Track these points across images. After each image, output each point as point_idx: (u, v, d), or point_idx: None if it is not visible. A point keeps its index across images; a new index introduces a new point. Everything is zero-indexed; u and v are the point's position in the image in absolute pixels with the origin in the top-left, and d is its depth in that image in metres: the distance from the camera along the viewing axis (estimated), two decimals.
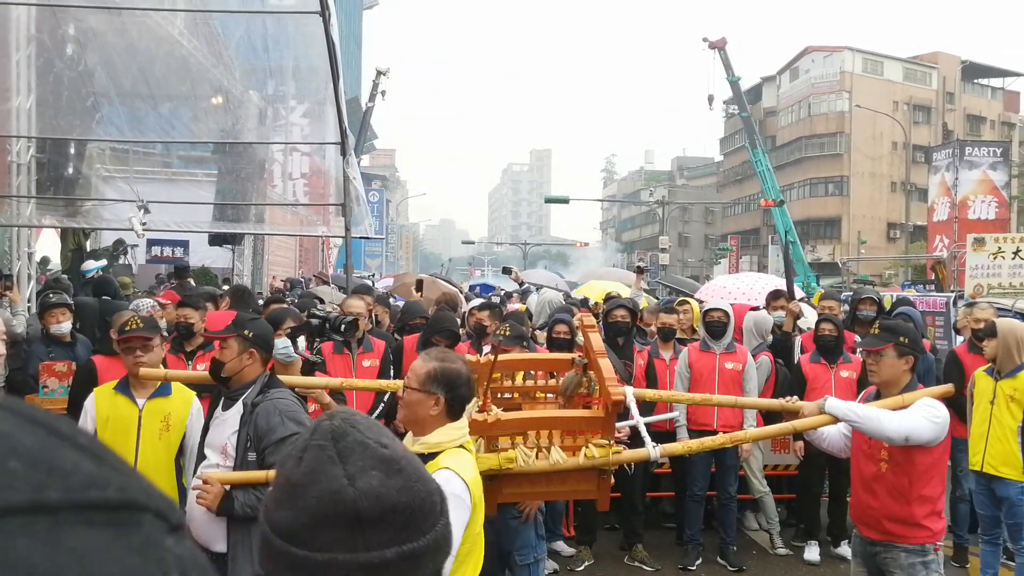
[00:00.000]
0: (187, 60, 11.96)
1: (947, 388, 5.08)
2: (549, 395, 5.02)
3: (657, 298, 14.62)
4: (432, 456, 3.53)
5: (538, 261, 77.69)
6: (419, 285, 12.48)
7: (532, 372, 5.19)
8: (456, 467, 3.49)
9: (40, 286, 12.33)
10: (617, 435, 4.68)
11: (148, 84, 11.41)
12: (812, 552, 8.64)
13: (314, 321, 6.41)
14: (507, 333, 6.63)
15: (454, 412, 3.65)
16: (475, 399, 4.68)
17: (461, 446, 3.65)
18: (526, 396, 5.06)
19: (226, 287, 13.47)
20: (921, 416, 4.63)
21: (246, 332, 4.62)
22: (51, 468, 0.48)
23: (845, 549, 8.12)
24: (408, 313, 9.49)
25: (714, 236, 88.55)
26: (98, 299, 10.01)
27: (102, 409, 5.30)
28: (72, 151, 12.42)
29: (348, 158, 10.90)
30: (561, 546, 8.53)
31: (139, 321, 5.50)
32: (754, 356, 8.79)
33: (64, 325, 7.67)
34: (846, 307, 10.58)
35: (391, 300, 12.16)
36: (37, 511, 0.46)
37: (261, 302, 9.70)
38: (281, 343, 5.69)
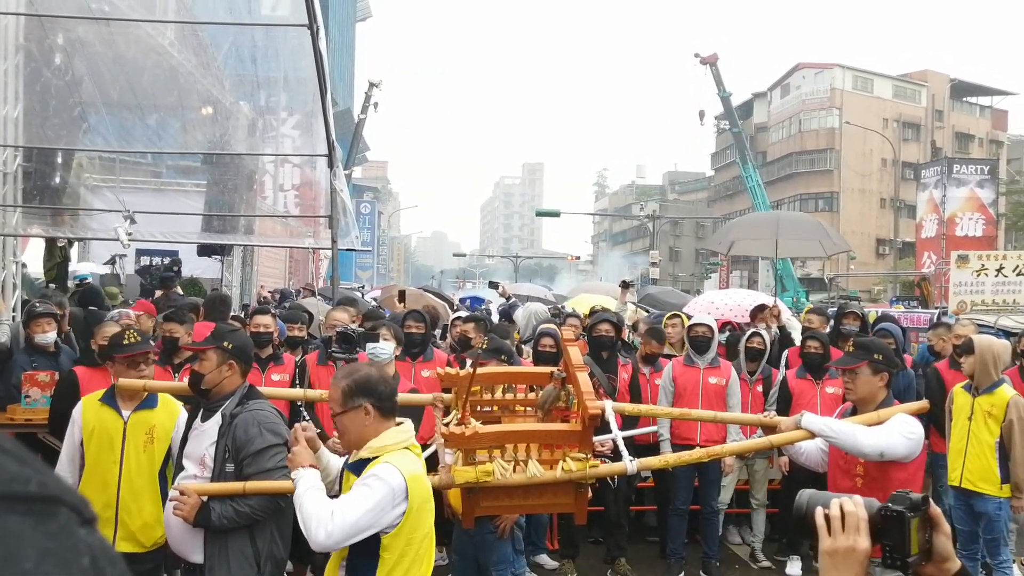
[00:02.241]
0: (176, 71, 11.95)
1: (922, 404, 5.10)
2: (529, 408, 5.04)
3: (647, 311, 14.63)
4: (373, 459, 3.65)
5: (556, 275, 77.69)
6: (401, 296, 12.48)
7: (511, 385, 5.19)
8: (397, 463, 3.58)
9: (28, 295, 12.31)
10: (600, 449, 4.70)
11: (136, 94, 11.40)
12: (794, 567, 8.66)
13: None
14: (485, 346, 6.70)
15: (387, 412, 3.75)
16: (454, 411, 4.70)
17: (407, 448, 3.75)
18: (505, 409, 5.07)
19: None
20: (896, 432, 4.65)
21: (225, 344, 4.63)
22: None
23: None
24: (369, 318, 9.48)
25: (705, 251, 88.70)
26: (83, 309, 9.99)
27: (88, 420, 5.29)
28: (59, 160, 12.38)
29: (335, 170, 10.93)
30: (545, 559, 8.54)
31: (136, 335, 5.49)
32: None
33: (49, 335, 7.65)
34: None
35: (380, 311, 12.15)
36: None
37: (242, 313, 9.70)
38: (373, 345, 6.54)
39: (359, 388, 3.74)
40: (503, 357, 6.43)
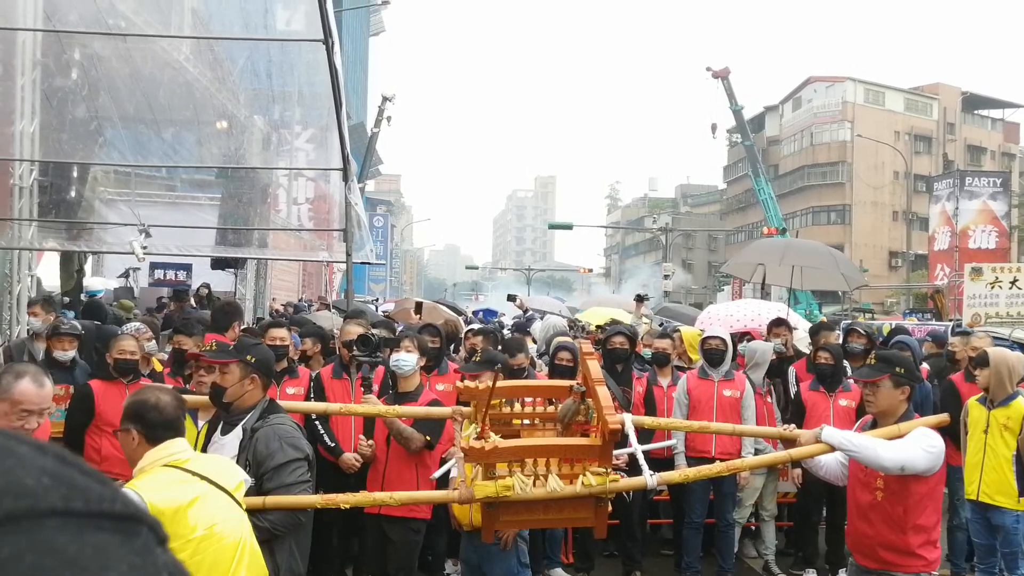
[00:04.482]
0: (191, 85, 12.01)
1: (943, 418, 5.09)
2: (540, 421, 5.03)
3: (662, 324, 14.63)
4: None
5: (573, 288, 77.18)
6: (418, 308, 12.46)
7: (516, 399, 5.18)
8: (139, 485, 3.48)
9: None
10: (616, 462, 4.69)
11: (152, 109, 11.45)
12: None
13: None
14: (477, 359, 6.75)
15: (153, 439, 3.67)
16: (473, 425, 4.69)
17: (168, 464, 3.64)
18: (520, 423, 5.06)
19: None
20: (917, 446, 4.65)
21: (248, 357, 4.64)
22: (71, 485, 0.59)
23: None
24: (379, 327, 9.52)
25: (717, 263, 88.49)
26: (92, 323, 10.01)
27: None
28: (75, 174, 12.45)
29: (350, 184, 10.96)
30: (559, 573, 8.51)
31: (215, 344, 5.59)
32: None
33: (69, 353, 7.64)
34: (838, 333, 10.59)
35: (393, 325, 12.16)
36: (68, 515, 0.57)
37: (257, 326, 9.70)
38: (396, 356, 6.61)
39: (129, 412, 3.70)
40: (497, 368, 6.41)
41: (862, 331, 9.81)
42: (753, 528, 9.47)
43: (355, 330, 7.72)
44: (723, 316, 12.96)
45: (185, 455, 3.73)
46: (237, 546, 3.63)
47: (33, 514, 0.55)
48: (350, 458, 6.99)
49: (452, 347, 11.10)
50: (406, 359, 6.61)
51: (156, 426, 3.68)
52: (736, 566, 8.76)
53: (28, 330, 9.91)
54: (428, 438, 6.42)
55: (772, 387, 9.18)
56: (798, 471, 8.41)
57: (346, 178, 10.92)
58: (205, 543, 3.50)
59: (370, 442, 6.80)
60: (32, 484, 0.57)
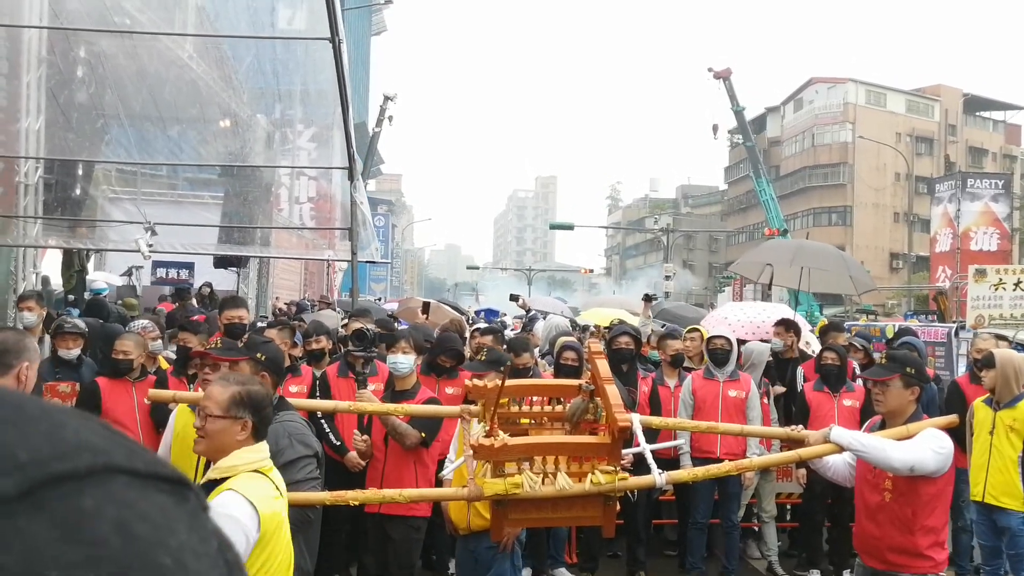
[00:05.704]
0: (196, 84, 12.02)
1: (951, 419, 5.08)
2: (555, 422, 5.02)
3: (663, 325, 14.58)
4: (223, 481, 3.45)
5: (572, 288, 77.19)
6: (425, 308, 12.44)
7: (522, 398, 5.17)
8: (243, 490, 3.37)
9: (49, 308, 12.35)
10: (622, 462, 4.69)
11: (157, 107, 11.46)
12: None
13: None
14: (483, 358, 6.76)
15: (259, 434, 3.62)
16: (482, 423, 4.69)
17: (258, 471, 3.56)
18: (533, 421, 5.06)
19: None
20: (926, 446, 4.64)
21: (258, 355, 4.65)
22: (128, 447, 0.61)
23: None
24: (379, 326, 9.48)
25: (718, 264, 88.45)
26: (98, 322, 10.00)
27: (178, 425, 5.41)
28: (80, 172, 12.45)
29: (355, 183, 10.94)
30: (563, 573, 8.51)
31: (220, 342, 5.57)
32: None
33: (73, 351, 7.64)
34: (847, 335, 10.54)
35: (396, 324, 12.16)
36: (133, 474, 0.58)
37: (264, 324, 9.64)
38: (394, 358, 6.69)
39: (250, 401, 3.60)
40: (502, 368, 6.40)
41: (859, 346, 9.68)
42: (756, 529, 9.48)
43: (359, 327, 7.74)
44: (719, 319, 12.79)
45: (268, 462, 3.67)
46: (290, 555, 3.66)
47: (109, 469, 0.57)
48: (355, 456, 7.00)
49: None
50: (403, 360, 6.67)
51: (266, 423, 3.67)
52: (740, 566, 8.76)
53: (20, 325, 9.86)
54: (424, 435, 6.43)
55: (768, 388, 9.17)
56: (802, 471, 8.42)
57: (352, 177, 10.90)
58: (286, 569, 3.57)
59: (364, 437, 6.83)
60: (102, 443, 0.59)
